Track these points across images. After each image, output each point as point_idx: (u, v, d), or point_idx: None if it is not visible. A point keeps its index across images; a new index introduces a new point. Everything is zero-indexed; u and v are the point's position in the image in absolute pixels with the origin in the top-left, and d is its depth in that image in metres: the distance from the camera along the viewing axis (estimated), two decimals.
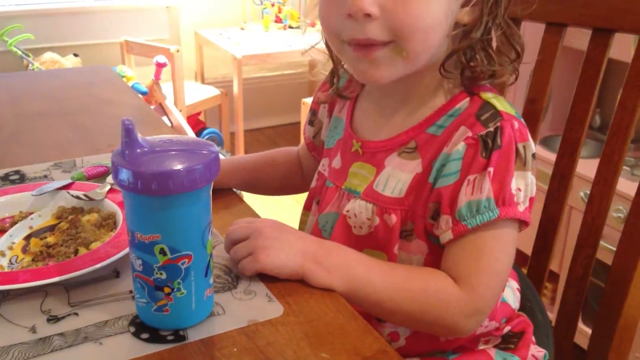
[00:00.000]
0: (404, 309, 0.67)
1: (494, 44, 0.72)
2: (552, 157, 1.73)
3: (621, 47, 1.40)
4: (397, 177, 0.73)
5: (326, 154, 0.86)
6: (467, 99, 0.72)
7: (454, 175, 0.68)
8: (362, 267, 0.68)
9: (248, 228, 0.68)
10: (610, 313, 0.84)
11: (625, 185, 1.36)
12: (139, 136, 0.56)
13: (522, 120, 0.71)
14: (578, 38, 1.16)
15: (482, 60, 0.70)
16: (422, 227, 0.72)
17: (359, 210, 0.75)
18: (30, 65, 2.63)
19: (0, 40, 2.64)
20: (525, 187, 0.68)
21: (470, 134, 0.68)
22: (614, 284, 0.84)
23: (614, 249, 0.83)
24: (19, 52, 2.64)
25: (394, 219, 0.73)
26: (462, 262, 0.68)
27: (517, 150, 0.67)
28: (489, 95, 0.71)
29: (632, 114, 0.80)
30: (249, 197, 1.47)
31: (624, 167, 1.44)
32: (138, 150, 0.55)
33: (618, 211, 1.56)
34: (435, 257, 0.72)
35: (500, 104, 0.70)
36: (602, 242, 0.86)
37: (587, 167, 1.14)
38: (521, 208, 0.67)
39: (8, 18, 2.73)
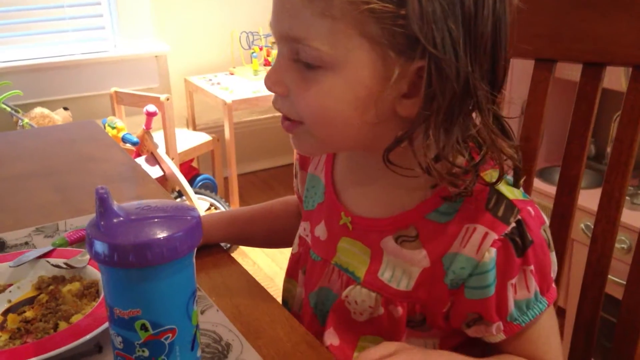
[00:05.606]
0: None
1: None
2: (549, 189, 1.68)
3: (611, 76, 1.39)
4: (402, 268, 0.68)
5: (306, 216, 0.80)
6: None
7: (491, 286, 0.64)
8: None
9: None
10: (623, 356, 0.81)
11: (625, 215, 1.33)
12: (115, 204, 0.53)
13: (528, 198, 0.67)
14: (569, 69, 1.15)
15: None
16: (440, 319, 0.68)
17: (360, 298, 0.70)
18: (20, 121, 2.61)
19: None
20: (554, 265, 0.68)
21: (495, 236, 0.62)
22: (625, 326, 0.80)
23: (618, 280, 0.80)
24: (8, 109, 2.62)
25: (400, 311, 0.68)
26: (525, 352, 0.67)
27: None
28: (489, 176, 0.64)
29: (630, 148, 0.77)
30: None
31: None
32: (114, 220, 0.52)
33: (620, 242, 1.53)
34: (454, 336, 0.70)
35: (505, 188, 0.64)
36: None
37: (585, 198, 1.11)
38: (554, 285, 0.68)
39: None
